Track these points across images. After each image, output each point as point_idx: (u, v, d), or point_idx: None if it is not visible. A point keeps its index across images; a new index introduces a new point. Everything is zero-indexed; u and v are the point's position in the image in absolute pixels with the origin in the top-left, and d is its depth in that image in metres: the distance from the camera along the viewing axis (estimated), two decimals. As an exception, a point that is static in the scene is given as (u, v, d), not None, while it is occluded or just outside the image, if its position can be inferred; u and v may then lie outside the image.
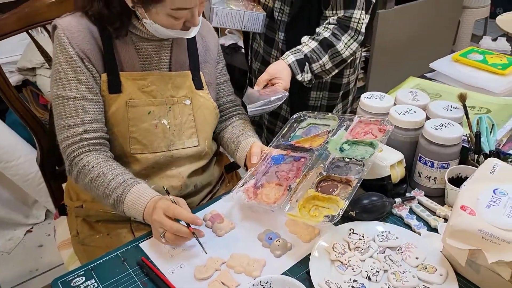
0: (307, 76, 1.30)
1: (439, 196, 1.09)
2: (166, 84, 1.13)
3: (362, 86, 2.96)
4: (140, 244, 0.98)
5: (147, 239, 0.99)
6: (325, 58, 1.30)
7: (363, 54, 2.82)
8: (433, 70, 1.56)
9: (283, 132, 1.16)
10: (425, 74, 1.56)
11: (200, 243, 0.94)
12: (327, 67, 1.32)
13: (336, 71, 1.36)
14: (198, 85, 1.18)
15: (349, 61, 1.35)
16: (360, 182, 0.96)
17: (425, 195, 1.08)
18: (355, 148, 1.05)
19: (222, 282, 0.88)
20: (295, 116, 1.21)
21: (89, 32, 1.06)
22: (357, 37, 1.31)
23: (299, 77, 1.28)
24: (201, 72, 1.20)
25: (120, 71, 1.08)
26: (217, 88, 1.27)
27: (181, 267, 0.92)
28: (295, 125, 1.20)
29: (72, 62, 1.04)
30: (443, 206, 1.04)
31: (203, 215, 1.05)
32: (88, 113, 1.05)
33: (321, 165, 1.03)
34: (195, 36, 1.15)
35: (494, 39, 1.86)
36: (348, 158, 1.03)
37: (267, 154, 1.10)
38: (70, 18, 1.07)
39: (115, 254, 0.96)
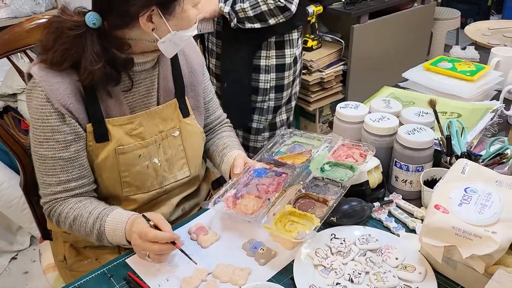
0: (226, 9, 1.72)
1: (416, 199, 1.13)
2: (154, 120, 1.10)
3: (341, 98, 3.03)
4: (126, 260, 0.99)
5: (133, 254, 1.00)
6: (246, 4, 1.71)
7: (341, 67, 2.90)
8: (406, 80, 1.62)
9: (268, 147, 1.20)
10: (398, 84, 1.62)
11: (187, 256, 0.95)
12: (248, 14, 1.71)
13: (258, 24, 1.76)
14: (185, 113, 1.15)
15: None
16: (337, 203, 0.99)
17: (402, 198, 1.12)
18: (335, 169, 1.09)
19: (208, 292, 0.90)
20: (281, 132, 1.24)
21: (70, 81, 0.97)
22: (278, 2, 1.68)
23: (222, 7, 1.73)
24: (186, 98, 1.16)
25: (106, 118, 1.03)
26: (205, 107, 1.25)
27: (167, 280, 0.94)
28: (280, 141, 1.23)
29: (49, 122, 0.98)
30: (420, 208, 1.08)
31: (187, 228, 1.07)
32: (67, 172, 1.02)
33: (301, 182, 1.06)
34: (177, 56, 1.14)
35: (463, 48, 1.94)
36: (327, 178, 1.07)
37: (250, 166, 1.13)
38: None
39: (102, 271, 0.96)
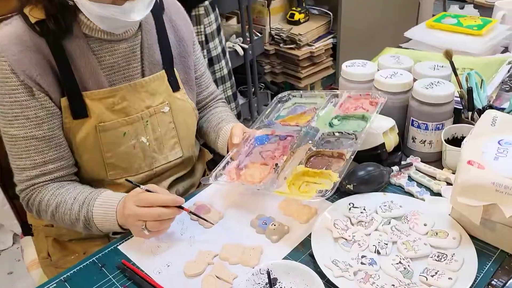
0: None
1: (435, 161, 1.02)
2: (139, 93, 0.97)
3: (332, 73, 2.93)
4: (119, 247, 0.87)
5: (125, 240, 0.88)
6: None
7: (330, 40, 2.78)
8: (408, 41, 1.51)
9: (266, 112, 1.08)
10: (400, 45, 1.51)
11: (200, 217, 0.86)
12: None
13: None
14: (175, 87, 1.03)
15: None
16: (354, 155, 0.88)
17: (421, 161, 1.01)
18: (345, 122, 0.98)
19: (217, 276, 0.78)
20: (279, 96, 1.12)
21: (36, 49, 0.86)
22: None
23: None
24: (175, 69, 1.04)
25: (83, 91, 0.91)
26: (196, 82, 1.13)
27: (168, 266, 0.82)
28: (279, 105, 1.11)
29: (16, 96, 0.86)
30: (442, 170, 0.98)
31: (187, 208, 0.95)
32: (41, 154, 0.91)
33: (310, 141, 0.95)
34: (164, 23, 1.01)
35: (461, 7, 1.84)
36: (339, 132, 0.95)
37: (250, 135, 1.01)
38: (9, 32, 0.86)
39: (91, 260, 0.84)
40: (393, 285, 0.73)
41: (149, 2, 0.89)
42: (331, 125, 0.97)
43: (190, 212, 0.87)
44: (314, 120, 0.99)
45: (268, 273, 0.72)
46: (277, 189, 0.85)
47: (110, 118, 0.94)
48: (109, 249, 0.86)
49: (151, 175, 1.04)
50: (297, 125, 1.00)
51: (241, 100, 2.68)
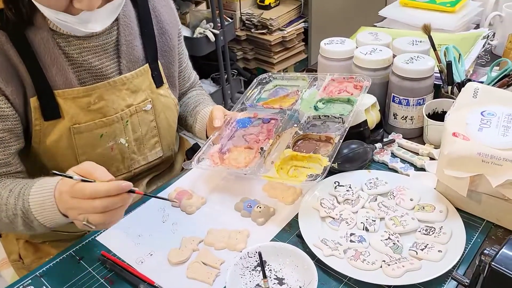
0: None
1: (417, 137, 1.02)
2: (119, 92, 0.89)
3: (305, 58, 2.91)
4: (97, 238, 0.82)
5: (103, 231, 0.84)
6: None
7: (302, 25, 2.76)
8: (382, 20, 1.51)
9: (247, 95, 1.04)
10: (375, 24, 1.50)
11: (159, 197, 0.78)
12: None
13: None
14: (159, 82, 0.95)
15: None
16: (342, 139, 0.86)
17: (403, 138, 1.01)
18: (330, 106, 0.96)
19: (203, 263, 0.75)
20: (259, 77, 1.09)
21: None
22: None
23: None
24: (159, 62, 0.96)
25: (55, 90, 0.82)
26: (179, 75, 1.07)
27: (151, 255, 0.78)
28: (259, 87, 1.08)
29: None
30: (424, 145, 0.98)
31: (166, 194, 0.91)
32: None
33: (295, 125, 0.92)
34: (150, 12, 0.92)
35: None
36: (325, 115, 0.93)
37: (232, 117, 0.98)
38: None
39: (68, 253, 0.79)
40: (384, 261, 0.72)
41: (113, 10, 0.80)
42: (316, 108, 0.95)
43: (145, 194, 0.74)
44: (298, 103, 0.97)
45: (260, 254, 0.69)
46: (265, 173, 0.82)
47: (85, 119, 0.86)
48: (87, 240, 0.82)
49: (129, 177, 0.98)
50: (281, 108, 0.97)
51: (213, 88, 2.64)
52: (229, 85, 2.64)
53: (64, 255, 0.79)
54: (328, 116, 0.93)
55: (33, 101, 0.81)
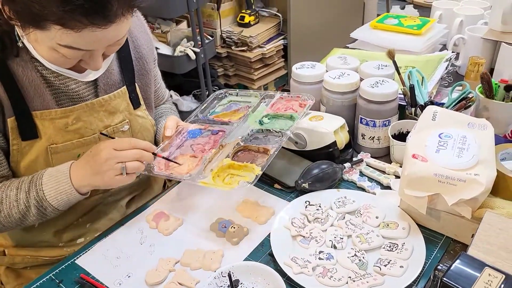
0: None
1: (384, 156, 1.08)
2: (97, 113, 0.92)
3: (284, 74, 2.98)
4: (76, 261, 0.85)
5: (83, 254, 0.86)
6: None
7: (281, 42, 2.83)
8: (354, 41, 1.57)
9: (202, 107, 1.10)
10: (347, 45, 1.57)
11: (171, 160, 0.92)
12: None
13: None
14: (136, 103, 0.99)
15: None
16: (277, 151, 0.92)
17: (371, 157, 1.06)
18: (275, 121, 1.02)
19: (179, 283, 0.78)
20: (216, 93, 1.15)
21: None
22: None
23: None
24: (136, 85, 1.00)
25: (33, 111, 0.85)
26: (154, 96, 1.10)
27: (129, 276, 0.81)
28: (215, 102, 1.14)
29: None
30: (390, 163, 1.03)
31: (144, 216, 0.94)
32: None
33: (239, 137, 0.98)
34: (126, 39, 0.95)
35: (402, 8, 1.93)
36: (267, 130, 1.00)
37: (184, 128, 1.03)
38: None
39: (48, 277, 0.82)
40: (350, 277, 0.76)
41: (108, 60, 0.88)
42: (261, 123, 1.02)
43: (164, 157, 0.91)
44: (245, 117, 1.03)
45: (229, 275, 0.73)
46: (202, 180, 0.87)
47: (63, 139, 0.89)
48: (66, 264, 0.84)
49: (106, 196, 1.01)
50: (229, 121, 1.03)
51: (195, 104, 2.68)
52: (210, 101, 2.68)
53: (44, 279, 0.81)
54: (270, 130, 0.99)
55: (11, 122, 0.84)
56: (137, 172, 0.86)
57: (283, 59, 2.93)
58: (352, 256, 0.80)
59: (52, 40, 0.73)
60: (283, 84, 3.02)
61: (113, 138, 0.87)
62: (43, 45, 0.76)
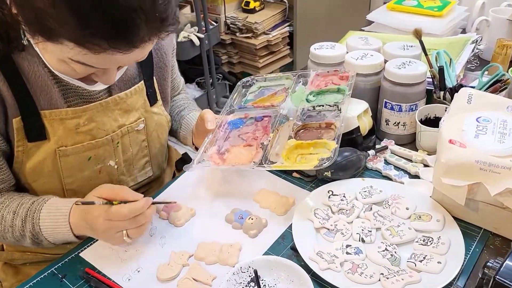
0: None
1: (409, 143, 1.00)
2: (111, 112, 0.84)
3: (290, 62, 2.90)
4: (80, 254, 0.78)
5: (87, 246, 0.79)
6: None
7: (287, 28, 2.75)
8: (369, 24, 1.49)
9: (233, 98, 1.02)
10: (362, 28, 1.49)
11: (164, 202, 0.84)
12: None
13: None
14: (153, 99, 0.91)
15: None
16: (344, 123, 0.85)
17: (395, 144, 0.99)
18: (322, 97, 0.95)
19: (194, 279, 0.71)
20: (242, 81, 1.07)
21: None
22: None
23: None
24: (154, 79, 0.91)
25: (41, 110, 0.77)
26: (170, 87, 1.02)
27: (138, 271, 0.74)
28: (243, 90, 1.05)
29: None
30: (417, 151, 0.96)
31: (154, 206, 0.87)
32: None
33: (290, 118, 0.90)
34: None
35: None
36: (319, 106, 0.92)
37: (222, 120, 0.95)
38: None
39: (50, 271, 0.75)
40: (382, 274, 0.69)
41: (121, 73, 0.79)
42: (308, 101, 0.94)
43: (160, 203, 0.83)
44: (288, 99, 0.95)
45: (255, 273, 0.66)
46: (273, 164, 0.80)
47: (73, 141, 0.80)
48: (70, 257, 0.77)
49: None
50: (272, 105, 0.95)
51: (198, 92, 2.60)
52: (214, 89, 2.60)
53: (46, 274, 0.75)
54: (323, 106, 0.92)
55: (16, 122, 0.75)
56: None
57: (289, 47, 2.85)
58: (383, 251, 0.74)
59: (63, 54, 0.64)
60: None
61: (92, 203, 0.72)
62: (52, 56, 0.68)
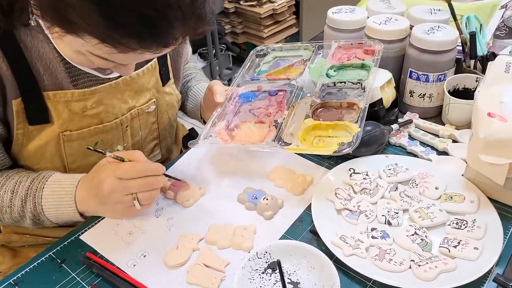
0: None
1: (433, 116, 0.93)
2: (121, 94, 0.77)
3: (296, 32, 2.78)
4: (81, 237, 0.71)
5: (88, 228, 0.73)
6: None
7: (293, -3, 2.63)
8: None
9: (246, 68, 0.93)
10: (378, -6, 1.38)
11: (175, 178, 0.77)
12: None
13: None
14: (166, 79, 0.84)
15: None
16: (368, 105, 0.77)
17: (419, 117, 0.91)
18: (343, 73, 0.87)
19: (205, 265, 0.65)
20: (255, 50, 0.98)
21: None
22: None
23: None
24: (168, 55, 0.85)
25: (44, 91, 0.69)
26: (184, 69, 0.95)
27: (144, 256, 0.68)
28: (257, 60, 0.97)
29: None
30: (444, 125, 0.88)
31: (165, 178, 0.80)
32: None
33: (308, 95, 0.82)
34: None
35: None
36: (340, 82, 0.84)
37: (233, 92, 0.87)
38: None
39: (48, 255, 0.68)
40: (413, 261, 0.63)
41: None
42: (328, 76, 0.86)
43: (171, 177, 0.77)
44: (305, 73, 0.86)
45: (279, 263, 0.60)
46: (287, 146, 0.73)
47: (79, 125, 0.74)
48: (69, 240, 0.71)
49: None
50: (288, 79, 0.87)
51: (201, 63, 2.51)
52: (217, 60, 2.51)
53: (43, 258, 0.68)
54: (345, 83, 0.83)
55: (16, 104, 0.68)
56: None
57: (295, 16, 2.73)
58: (412, 235, 0.67)
59: (82, 47, 0.59)
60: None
61: (103, 152, 0.69)
62: (69, 46, 0.63)
